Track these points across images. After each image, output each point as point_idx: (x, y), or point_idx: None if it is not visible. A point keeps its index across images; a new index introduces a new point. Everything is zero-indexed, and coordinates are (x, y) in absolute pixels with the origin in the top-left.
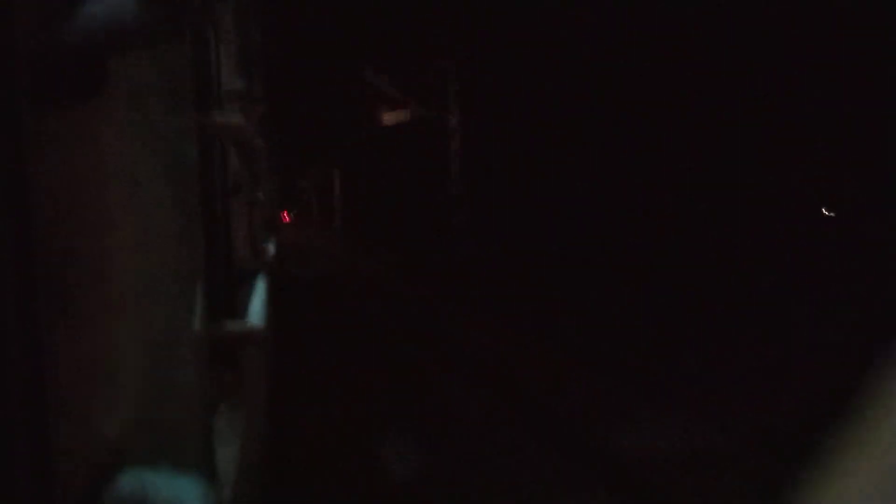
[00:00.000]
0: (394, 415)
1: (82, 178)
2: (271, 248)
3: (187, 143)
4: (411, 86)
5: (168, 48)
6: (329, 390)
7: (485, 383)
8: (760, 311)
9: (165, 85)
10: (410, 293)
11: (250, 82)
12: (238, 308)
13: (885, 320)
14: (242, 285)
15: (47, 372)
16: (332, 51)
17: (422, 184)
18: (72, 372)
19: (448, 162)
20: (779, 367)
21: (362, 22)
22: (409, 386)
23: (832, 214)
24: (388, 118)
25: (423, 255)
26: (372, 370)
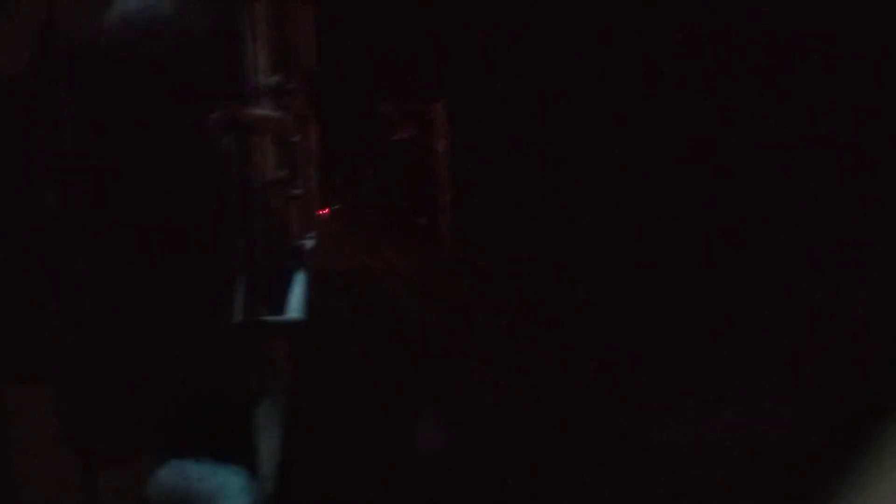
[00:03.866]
0: None
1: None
2: (311, 243)
3: (225, 138)
4: None
5: (205, 43)
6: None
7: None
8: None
9: (202, 79)
10: None
11: (287, 76)
12: (278, 302)
13: None
14: (282, 280)
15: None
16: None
17: None
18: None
19: None
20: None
21: None
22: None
23: None
24: None
25: None
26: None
